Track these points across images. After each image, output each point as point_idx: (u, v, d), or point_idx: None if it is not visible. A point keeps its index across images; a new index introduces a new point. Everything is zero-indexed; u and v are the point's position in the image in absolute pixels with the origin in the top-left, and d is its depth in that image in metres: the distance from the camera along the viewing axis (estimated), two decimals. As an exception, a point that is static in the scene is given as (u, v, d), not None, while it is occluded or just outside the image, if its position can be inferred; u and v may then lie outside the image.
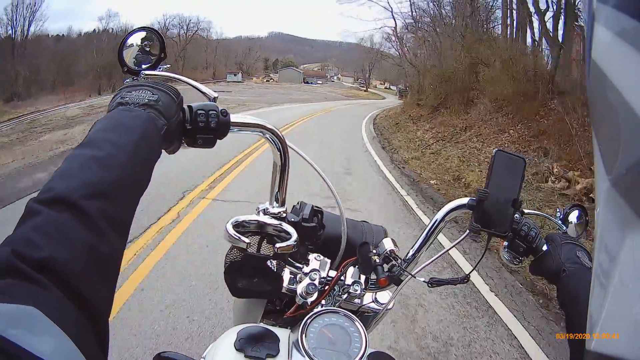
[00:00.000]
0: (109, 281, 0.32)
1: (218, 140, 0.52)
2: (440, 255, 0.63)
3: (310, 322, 0.51)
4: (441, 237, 2.64)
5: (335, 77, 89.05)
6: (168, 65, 0.57)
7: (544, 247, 0.63)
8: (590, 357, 0.23)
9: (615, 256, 0.22)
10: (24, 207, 0.31)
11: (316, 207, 0.66)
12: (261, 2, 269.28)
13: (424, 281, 0.59)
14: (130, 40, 0.56)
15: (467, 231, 0.58)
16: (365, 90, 66.23)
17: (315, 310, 0.54)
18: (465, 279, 0.59)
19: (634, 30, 0.20)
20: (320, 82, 73.74)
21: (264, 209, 0.63)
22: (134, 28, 0.58)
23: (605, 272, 0.23)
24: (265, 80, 66.04)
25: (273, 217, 0.61)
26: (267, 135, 0.59)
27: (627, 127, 0.20)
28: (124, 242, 0.35)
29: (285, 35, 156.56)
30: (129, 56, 0.55)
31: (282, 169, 0.62)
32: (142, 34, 0.57)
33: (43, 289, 0.26)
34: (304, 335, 0.49)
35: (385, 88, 79.69)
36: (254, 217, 0.58)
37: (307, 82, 67.78)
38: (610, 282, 0.22)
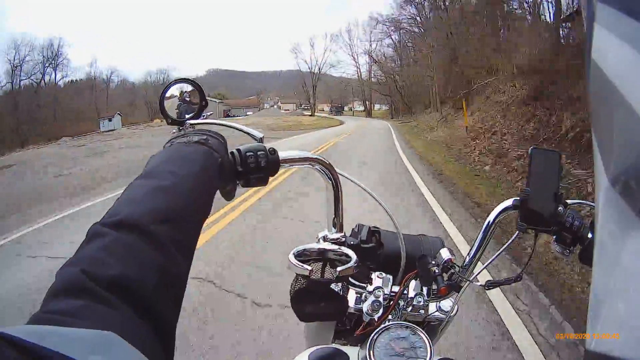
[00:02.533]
0: (177, 298, 0.33)
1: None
2: (494, 259, 0.65)
3: (377, 338, 0.53)
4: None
5: (274, 105, 73.30)
6: (210, 113, 0.61)
7: (589, 235, 0.62)
8: (590, 357, 0.22)
9: (615, 256, 0.21)
10: (87, 232, 0.32)
11: (373, 227, 0.69)
12: (199, 42, 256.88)
13: (480, 285, 0.61)
14: (169, 92, 0.59)
15: (517, 232, 0.60)
16: (311, 115, 50.77)
17: (382, 325, 0.56)
18: (519, 277, 0.61)
19: (634, 30, 0.20)
20: (251, 112, 57.53)
21: (324, 236, 0.66)
22: (171, 81, 0.61)
23: (605, 271, 0.22)
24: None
25: (333, 243, 0.63)
26: (317, 167, 0.61)
27: (627, 127, 0.20)
28: (189, 264, 0.36)
29: (224, 71, 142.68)
30: (170, 108, 0.58)
31: (336, 197, 0.64)
32: (180, 85, 0.60)
33: (115, 310, 0.27)
34: (371, 351, 0.51)
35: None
36: (314, 245, 0.60)
37: (229, 115, 51.17)
38: (610, 282, 0.22)
